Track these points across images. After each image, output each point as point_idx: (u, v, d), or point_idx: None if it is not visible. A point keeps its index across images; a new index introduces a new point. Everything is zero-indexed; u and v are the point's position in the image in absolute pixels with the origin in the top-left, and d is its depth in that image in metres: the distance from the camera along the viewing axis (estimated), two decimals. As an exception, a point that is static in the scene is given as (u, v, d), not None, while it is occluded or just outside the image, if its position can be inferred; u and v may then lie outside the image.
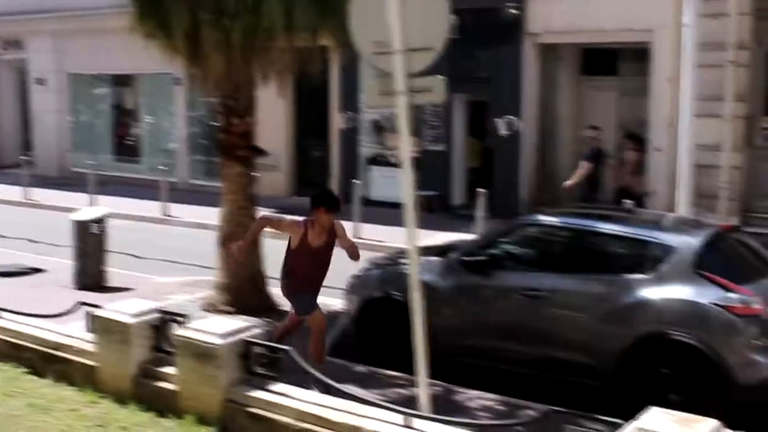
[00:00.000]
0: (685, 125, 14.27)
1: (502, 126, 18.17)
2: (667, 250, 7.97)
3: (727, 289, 7.54)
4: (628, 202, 11.67)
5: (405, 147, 6.63)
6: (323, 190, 9.27)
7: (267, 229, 8.88)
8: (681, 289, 7.72)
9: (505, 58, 18.17)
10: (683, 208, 13.90)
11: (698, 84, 14.97)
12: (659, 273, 7.87)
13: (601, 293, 8.03)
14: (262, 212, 11.64)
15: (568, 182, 14.51)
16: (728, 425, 5.24)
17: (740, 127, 15.73)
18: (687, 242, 8.05)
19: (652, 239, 8.16)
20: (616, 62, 18.28)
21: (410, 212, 6.71)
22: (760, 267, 8.33)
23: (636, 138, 15.70)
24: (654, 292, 7.76)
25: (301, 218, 8.33)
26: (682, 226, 9.46)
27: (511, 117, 18.06)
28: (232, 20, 10.05)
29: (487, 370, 8.52)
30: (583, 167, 14.26)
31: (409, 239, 6.73)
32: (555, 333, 8.15)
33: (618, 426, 5.20)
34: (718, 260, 7.97)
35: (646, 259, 8.02)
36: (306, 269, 8.24)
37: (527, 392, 7.92)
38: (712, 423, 5.05)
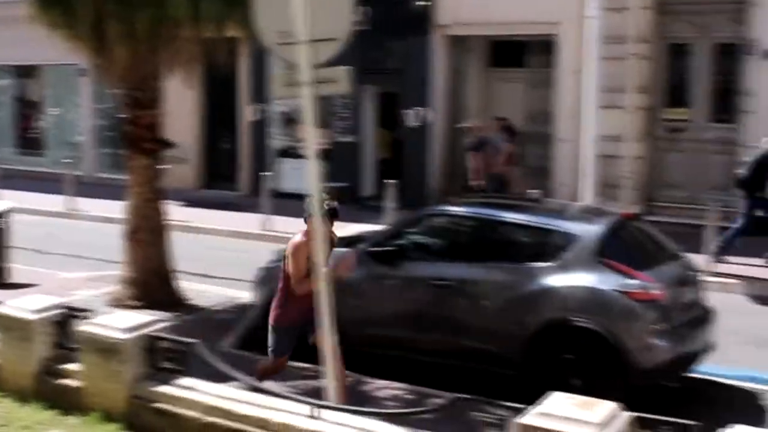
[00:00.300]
0: (589, 116, 14.57)
1: (411, 117, 18.28)
2: (569, 238, 8.13)
3: (628, 276, 7.74)
4: (534, 192, 11.88)
5: (311, 138, 6.62)
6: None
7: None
8: (583, 276, 7.89)
9: (415, 49, 18.28)
10: (588, 197, 14.21)
11: (602, 76, 15.33)
12: (562, 261, 8.03)
13: (507, 281, 8.15)
14: (169, 208, 11.52)
15: (473, 183, 14.83)
16: (628, 407, 5.38)
17: (642, 118, 16.17)
18: (589, 230, 8.22)
19: (555, 228, 8.32)
20: (524, 54, 18.55)
21: (317, 204, 6.72)
22: (659, 254, 8.56)
23: (510, 129, 16.05)
24: (557, 280, 7.92)
25: (299, 236, 7.30)
26: (585, 214, 9.65)
27: (421, 108, 18.18)
28: (137, 11, 9.90)
29: (397, 360, 8.58)
30: (472, 159, 14.66)
31: (315, 231, 6.74)
32: (462, 322, 8.24)
33: (517, 410, 5.30)
34: (619, 247, 8.16)
35: (550, 247, 8.17)
36: (307, 296, 7.12)
37: (437, 381, 8.00)
38: (610, 405, 5.19)
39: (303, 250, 7.12)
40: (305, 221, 7.15)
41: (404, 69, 18.41)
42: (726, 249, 13.07)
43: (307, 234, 7.10)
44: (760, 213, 13.05)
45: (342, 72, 6.57)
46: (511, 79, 18.50)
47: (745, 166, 13.25)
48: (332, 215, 7.24)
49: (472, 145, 15.18)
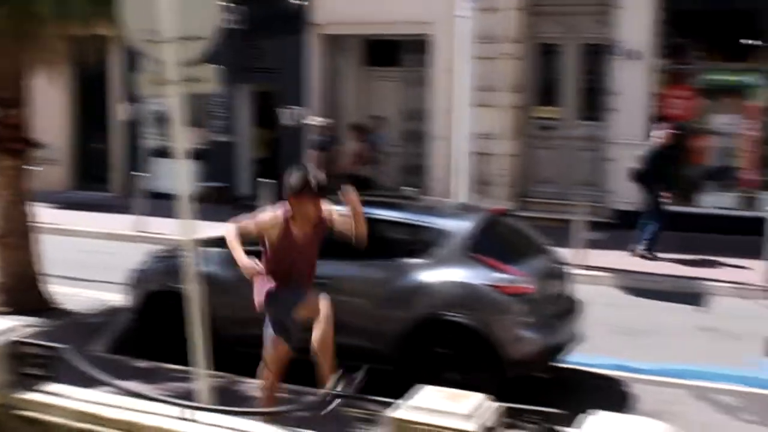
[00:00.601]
0: (462, 115, 14.82)
1: (287, 116, 18.25)
2: (441, 234, 8.27)
3: (498, 270, 7.92)
4: (410, 190, 12.03)
5: (180, 138, 6.55)
6: (299, 173, 6.64)
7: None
8: (455, 271, 8.04)
9: (291, 48, 18.25)
10: (462, 194, 14.45)
11: (474, 75, 15.60)
12: (435, 256, 8.16)
13: (381, 278, 8.24)
14: (39, 211, 11.20)
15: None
16: (500, 399, 5.51)
17: (514, 116, 16.54)
18: (460, 226, 8.38)
19: (427, 224, 8.45)
20: (399, 53, 18.75)
21: (185, 204, 6.65)
22: (528, 248, 8.79)
23: (360, 129, 16.26)
24: (430, 275, 8.04)
25: (276, 208, 6.70)
26: (456, 211, 9.83)
27: (296, 107, 18.16)
28: (-1, 6, 9.59)
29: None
30: (312, 156, 14.81)
31: (183, 231, 6.67)
32: (338, 319, 8.23)
33: (390, 405, 5.36)
34: (490, 243, 8.33)
35: (423, 243, 8.29)
36: (291, 269, 6.70)
37: (314, 380, 8.00)
38: (478, 396, 5.29)
39: (273, 221, 6.52)
40: (290, 198, 6.51)
41: (280, 68, 18.36)
42: (652, 244, 13.56)
43: (289, 213, 6.51)
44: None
45: (210, 70, 6.52)
46: (386, 78, 18.67)
47: (641, 160, 13.70)
48: (321, 191, 6.56)
49: (316, 144, 15.29)
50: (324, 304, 6.72)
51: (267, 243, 6.65)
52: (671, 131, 13.82)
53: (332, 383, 6.29)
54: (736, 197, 15.69)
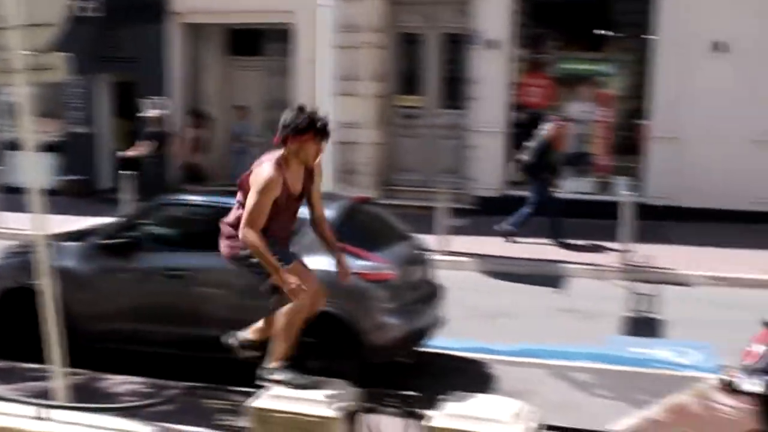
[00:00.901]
0: (326, 104, 14.83)
1: (148, 107, 17.87)
2: (302, 222, 8.24)
3: (360, 258, 7.97)
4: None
5: (29, 129, 6.34)
6: (301, 110, 5.78)
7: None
8: (318, 259, 8.03)
9: (151, 37, 17.89)
10: (327, 183, 14.42)
11: (337, 65, 15.63)
12: (299, 246, 8.12)
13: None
14: None
15: (127, 153, 15.06)
16: (363, 385, 5.58)
17: (378, 105, 16.67)
18: (321, 214, 8.37)
19: (289, 213, 8.41)
20: (262, 43, 18.62)
21: (37, 198, 6.45)
22: (390, 235, 8.87)
23: (198, 114, 16.21)
24: (292, 264, 8.02)
25: (267, 165, 5.74)
26: (319, 200, 9.82)
27: (158, 97, 17.81)
28: None
29: (135, 354, 8.40)
30: (143, 145, 14.67)
31: (36, 226, 6.47)
32: (198, 311, 8.17)
33: (251, 395, 5.36)
34: (352, 230, 8.33)
35: (286, 233, 8.25)
36: (284, 229, 6.03)
37: (177, 373, 7.89)
38: (338, 382, 5.36)
39: (274, 186, 5.61)
40: (288, 138, 5.64)
41: (141, 57, 17.94)
42: (517, 226, 13.90)
43: (283, 160, 5.67)
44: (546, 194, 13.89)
45: (60, 58, 6.34)
46: (249, 68, 18.53)
47: (527, 151, 13.98)
48: (324, 129, 5.72)
49: (149, 134, 15.11)
50: (313, 277, 6.02)
51: (251, 201, 5.69)
52: (558, 124, 14.20)
53: (275, 367, 5.69)
54: (592, 182, 16.25)
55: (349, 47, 16.13)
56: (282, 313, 5.75)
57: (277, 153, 5.74)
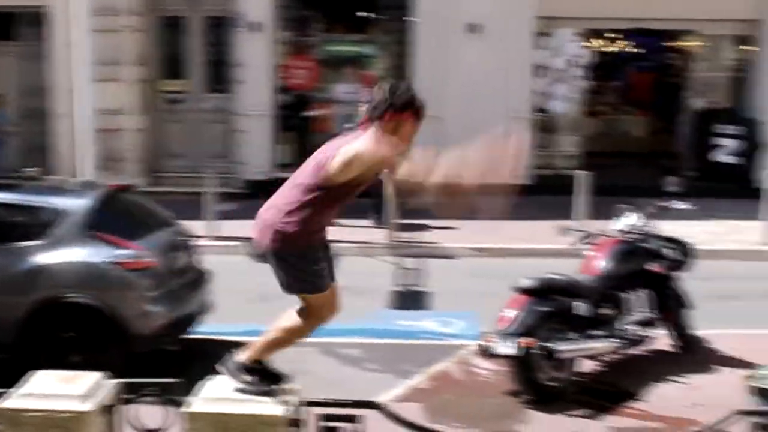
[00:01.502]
0: (84, 90, 14.26)
1: None
2: (57, 213, 7.95)
3: (119, 247, 7.78)
4: (32, 170, 11.39)
5: None
6: (401, 84, 5.23)
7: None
8: (74, 251, 7.78)
9: None
10: (89, 172, 13.92)
11: (95, 49, 15.05)
12: (52, 237, 7.83)
13: (-3, 264, 7.78)
14: None
15: None
16: (129, 375, 5.42)
17: (141, 90, 16.27)
18: (77, 204, 8.09)
19: (41, 204, 8.08)
20: (15, 27, 17.67)
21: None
22: (152, 223, 8.68)
23: None
24: (48, 257, 7.73)
25: (366, 140, 4.91)
26: (74, 189, 9.48)
27: None
28: None
29: None
30: None
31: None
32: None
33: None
34: (110, 220, 8.13)
35: (39, 224, 7.93)
36: (329, 223, 5.47)
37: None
38: (95, 376, 5.19)
39: (389, 163, 4.86)
40: (388, 115, 4.88)
41: None
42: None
43: (380, 141, 4.82)
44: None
45: None
46: (2, 53, 17.53)
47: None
48: (421, 108, 5.03)
49: None
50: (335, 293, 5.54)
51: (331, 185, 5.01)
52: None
53: (245, 364, 5.19)
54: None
55: (108, 31, 15.58)
56: (286, 329, 5.41)
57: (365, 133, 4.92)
